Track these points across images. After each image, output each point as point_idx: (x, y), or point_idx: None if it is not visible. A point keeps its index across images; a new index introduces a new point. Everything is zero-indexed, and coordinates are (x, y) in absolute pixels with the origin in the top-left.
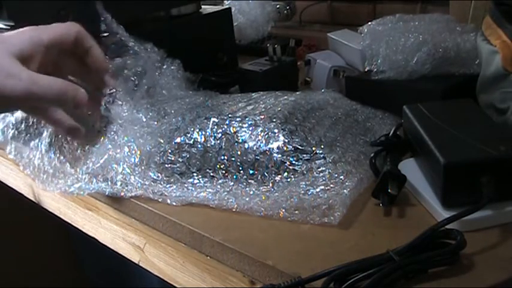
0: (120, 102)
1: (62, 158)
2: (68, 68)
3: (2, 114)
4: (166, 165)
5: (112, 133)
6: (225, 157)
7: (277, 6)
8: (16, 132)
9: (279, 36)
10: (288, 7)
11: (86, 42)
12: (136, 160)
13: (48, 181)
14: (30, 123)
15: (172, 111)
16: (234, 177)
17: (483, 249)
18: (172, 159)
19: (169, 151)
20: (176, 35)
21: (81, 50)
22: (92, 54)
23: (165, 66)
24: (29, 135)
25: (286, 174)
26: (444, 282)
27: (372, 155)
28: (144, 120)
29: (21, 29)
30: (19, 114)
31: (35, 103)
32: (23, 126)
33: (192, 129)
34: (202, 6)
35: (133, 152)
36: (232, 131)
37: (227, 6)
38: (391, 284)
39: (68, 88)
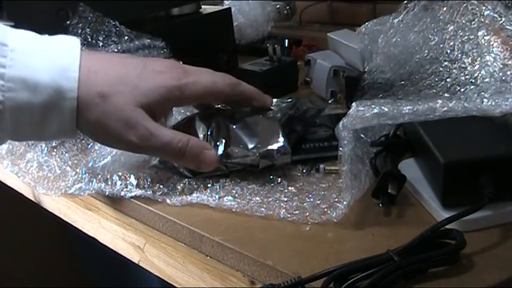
0: None
1: (62, 163)
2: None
3: None
4: (166, 165)
5: None
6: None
7: (277, 6)
8: (10, 146)
9: (279, 36)
10: (288, 7)
11: (237, 95)
12: (137, 160)
13: (49, 186)
14: None
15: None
16: (235, 177)
17: (483, 249)
18: None
19: None
20: (176, 35)
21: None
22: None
23: None
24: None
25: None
26: (444, 282)
27: (372, 155)
28: None
29: (163, 79)
30: None
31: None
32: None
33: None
34: (202, 6)
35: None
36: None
37: (227, 6)
38: (391, 284)
39: (191, 146)
